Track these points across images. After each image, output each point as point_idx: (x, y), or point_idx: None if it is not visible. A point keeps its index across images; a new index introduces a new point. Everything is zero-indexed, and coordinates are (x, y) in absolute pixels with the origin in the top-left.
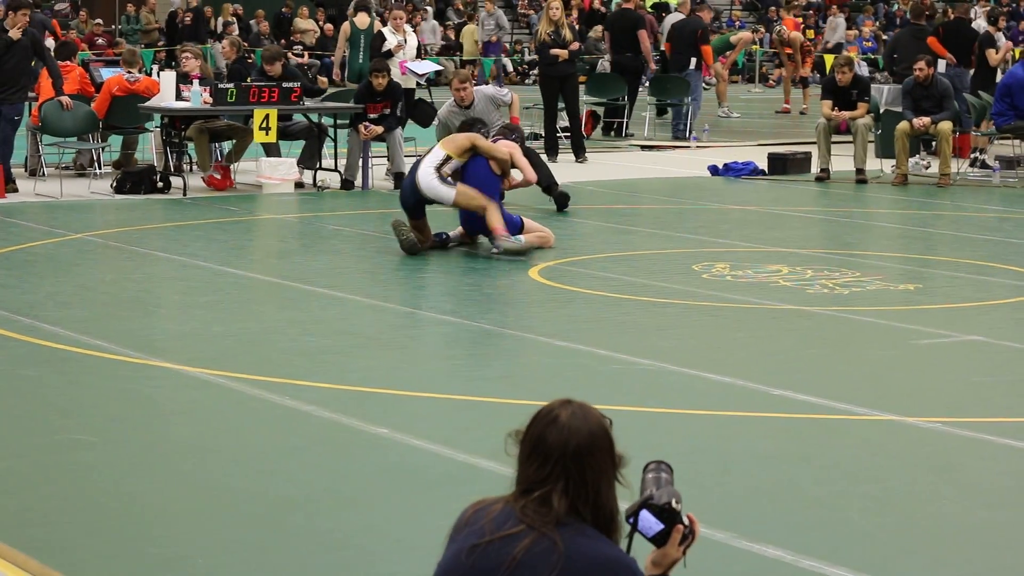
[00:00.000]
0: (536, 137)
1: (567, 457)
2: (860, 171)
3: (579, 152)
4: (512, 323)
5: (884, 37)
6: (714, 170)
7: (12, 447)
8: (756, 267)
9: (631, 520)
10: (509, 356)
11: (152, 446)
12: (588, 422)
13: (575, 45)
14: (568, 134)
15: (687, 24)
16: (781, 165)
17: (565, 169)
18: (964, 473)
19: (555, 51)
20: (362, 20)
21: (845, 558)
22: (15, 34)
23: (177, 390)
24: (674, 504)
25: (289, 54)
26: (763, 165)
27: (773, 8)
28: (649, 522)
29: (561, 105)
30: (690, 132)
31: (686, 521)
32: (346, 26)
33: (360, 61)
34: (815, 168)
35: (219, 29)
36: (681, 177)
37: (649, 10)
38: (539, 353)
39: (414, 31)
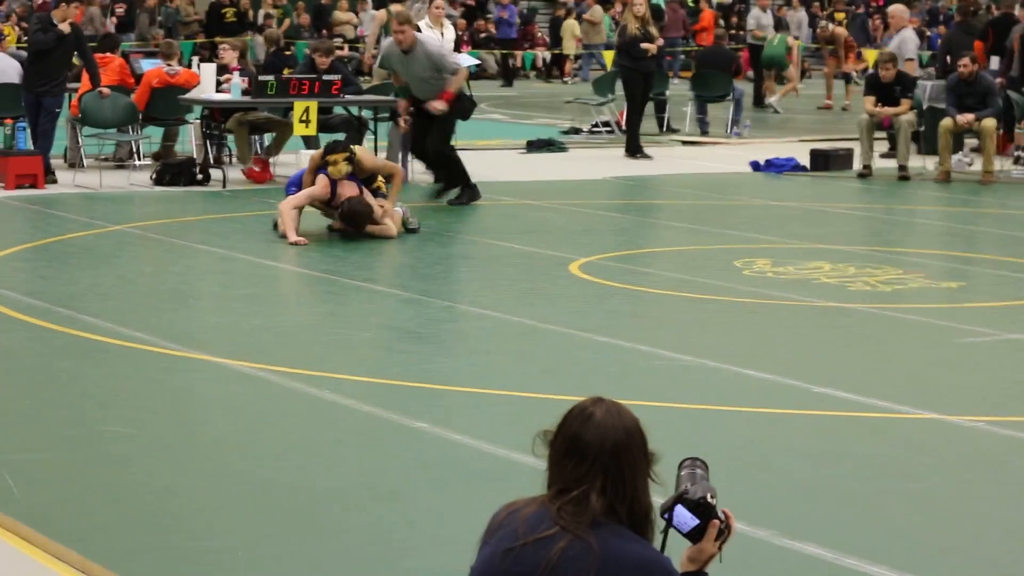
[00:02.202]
0: (605, 130)
1: (604, 455)
2: (903, 168)
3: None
4: (552, 318)
5: (928, 33)
6: (756, 166)
7: (51, 438)
8: (798, 264)
9: (666, 516)
10: (549, 351)
11: (190, 438)
12: (623, 419)
13: (660, 41)
14: (608, 129)
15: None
16: (823, 161)
17: (616, 165)
18: (1006, 472)
19: (645, 46)
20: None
21: (886, 557)
22: (64, 27)
23: (216, 383)
24: (709, 499)
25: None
26: (805, 161)
27: (817, 3)
28: (684, 517)
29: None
30: (732, 127)
31: (721, 516)
32: (382, 13)
33: None
34: (857, 164)
35: (260, 21)
36: (723, 173)
37: (689, 4)
38: (579, 348)
39: (453, 25)
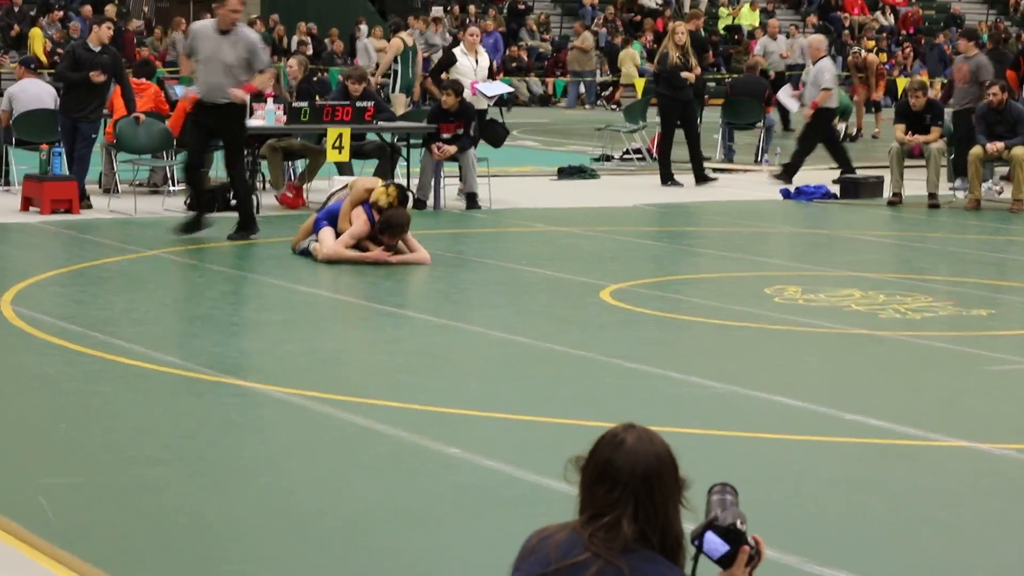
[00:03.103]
0: (636, 158)
1: (636, 481)
2: (932, 195)
3: (701, 176)
4: (583, 344)
5: None
6: (786, 193)
7: (86, 463)
8: (828, 291)
9: (696, 542)
10: (580, 377)
11: (224, 463)
12: (655, 445)
13: (698, 70)
14: (639, 156)
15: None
16: (853, 189)
17: (647, 192)
18: None
19: (685, 74)
20: (408, 38)
21: None
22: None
23: (249, 408)
24: (739, 525)
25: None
26: (835, 189)
27: (847, 32)
28: (714, 544)
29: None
30: (762, 155)
31: (752, 542)
32: (397, 42)
33: (409, 76)
34: (887, 192)
35: (293, 48)
36: (753, 200)
37: (721, 32)
38: (610, 375)
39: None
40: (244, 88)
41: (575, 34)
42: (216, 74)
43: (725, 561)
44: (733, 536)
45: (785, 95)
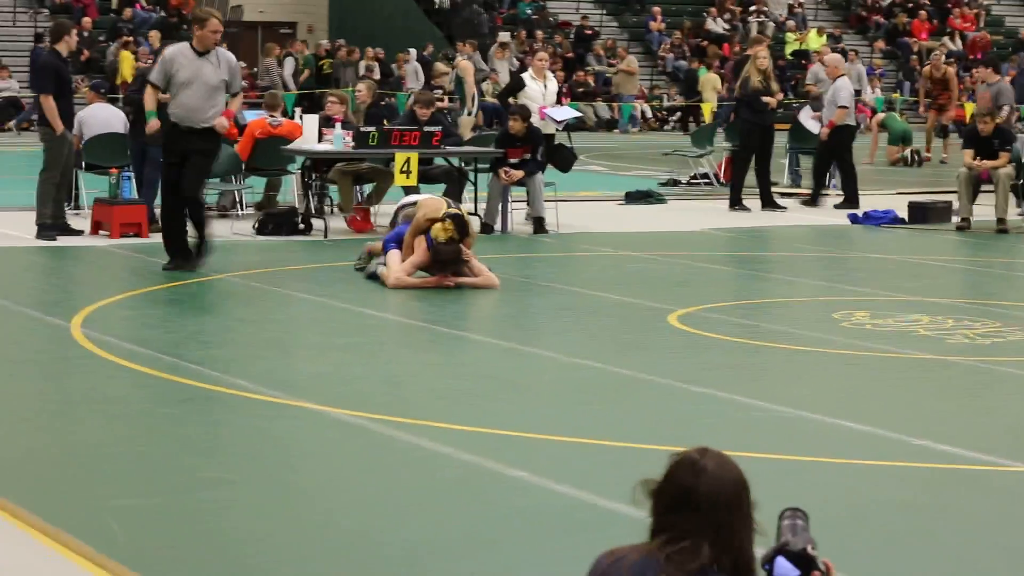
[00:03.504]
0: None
1: (719, 509)
2: (1001, 220)
3: (770, 201)
4: (650, 369)
5: None
6: (854, 218)
7: (155, 485)
8: (896, 316)
9: (767, 567)
10: (647, 402)
11: (290, 486)
12: (732, 471)
13: (780, 95)
14: (707, 181)
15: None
16: (921, 214)
17: (714, 216)
18: None
19: (767, 99)
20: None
21: None
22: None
23: (316, 430)
24: (810, 550)
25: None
26: (903, 214)
27: (915, 57)
28: (785, 568)
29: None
30: (830, 180)
31: (822, 567)
32: (469, 65)
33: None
34: (956, 217)
35: (360, 72)
36: (821, 225)
37: (788, 57)
38: (677, 399)
39: (553, 76)
40: (224, 114)
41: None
42: (198, 97)
43: None
44: (804, 561)
45: (805, 117)
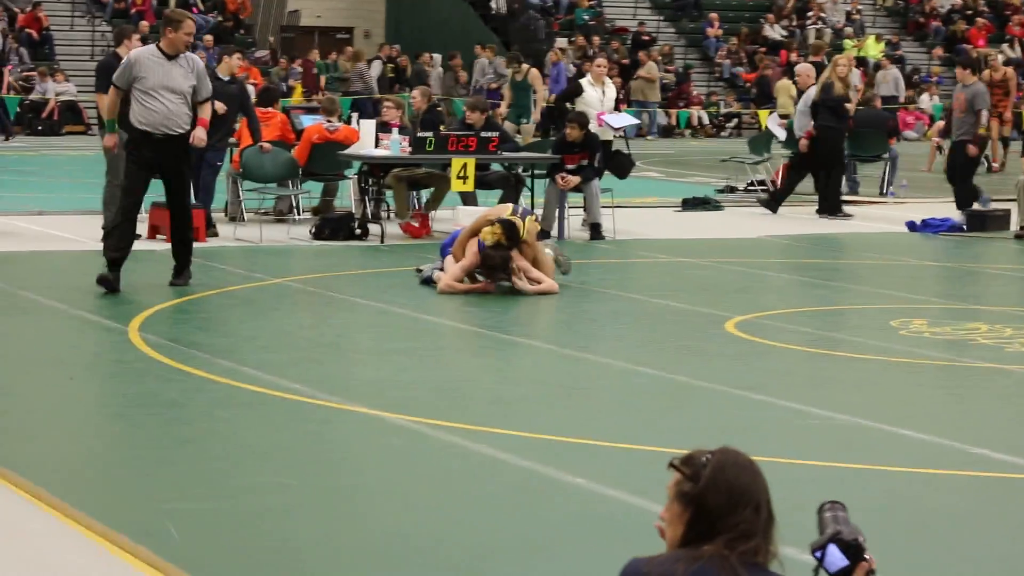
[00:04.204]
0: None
1: (769, 502)
2: None
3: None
4: (707, 376)
5: None
6: (912, 226)
7: (212, 488)
8: (954, 324)
9: (817, 555)
10: (704, 408)
11: (348, 491)
12: (756, 466)
13: (855, 103)
14: (764, 188)
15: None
16: (980, 222)
17: (771, 223)
18: None
19: (849, 106)
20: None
21: None
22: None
23: (372, 435)
24: (861, 541)
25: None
26: (962, 222)
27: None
28: (835, 557)
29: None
30: (888, 187)
31: (869, 558)
32: (535, 72)
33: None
34: (1014, 225)
35: (362, 77)
36: (879, 232)
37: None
38: (734, 406)
39: (612, 82)
40: (199, 123)
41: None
42: (166, 102)
43: (842, 575)
44: (854, 551)
45: (773, 123)
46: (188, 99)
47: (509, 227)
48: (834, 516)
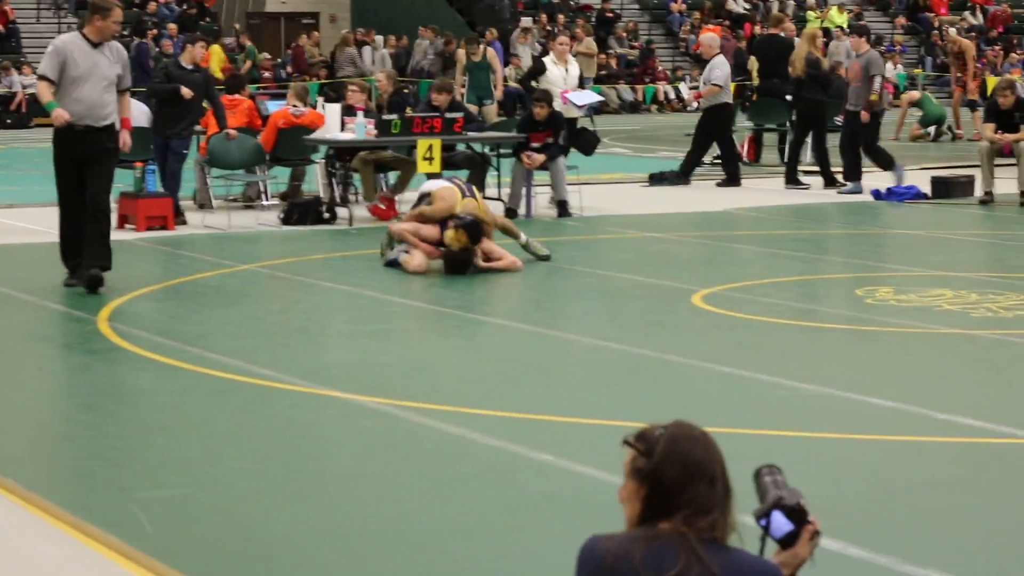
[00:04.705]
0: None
1: (725, 473)
2: None
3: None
4: (675, 349)
5: None
6: (877, 194)
7: (183, 475)
8: (920, 291)
9: (762, 522)
10: (673, 382)
11: (320, 475)
12: (710, 438)
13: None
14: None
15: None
16: (944, 189)
17: (737, 196)
18: None
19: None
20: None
21: None
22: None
23: (343, 418)
24: (803, 503)
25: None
26: (926, 189)
27: (936, 32)
28: (780, 523)
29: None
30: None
31: (812, 520)
32: (461, 54)
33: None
34: (979, 191)
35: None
36: (844, 202)
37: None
38: (703, 379)
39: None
40: (123, 124)
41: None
42: (96, 92)
43: (787, 540)
44: (797, 515)
45: (684, 89)
46: (114, 89)
47: (471, 228)
48: (773, 480)
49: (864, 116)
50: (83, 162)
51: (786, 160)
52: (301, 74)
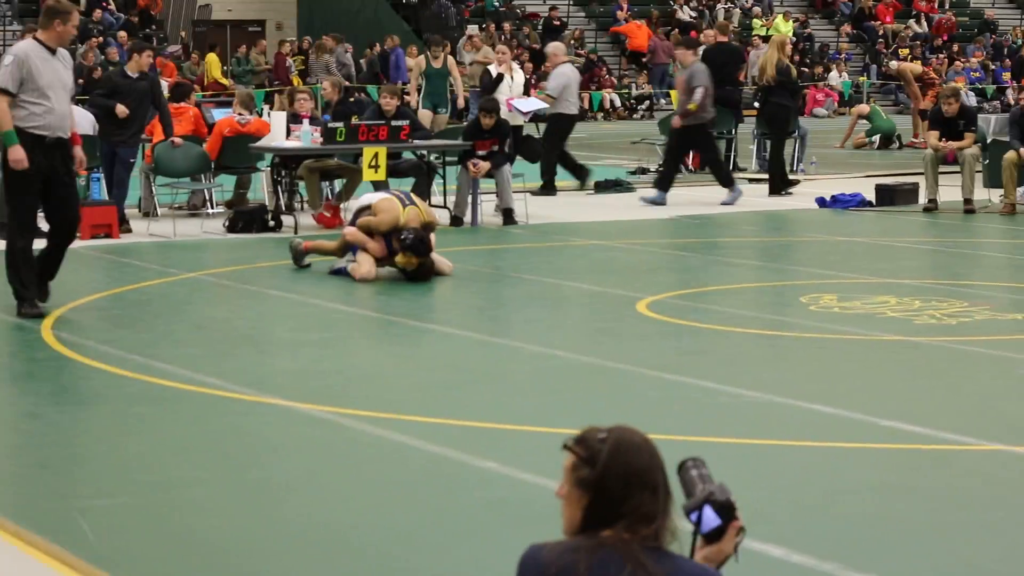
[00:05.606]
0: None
1: (666, 481)
2: (968, 201)
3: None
4: (620, 357)
5: (992, 67)
6: (821, 202)
7: (125, 484)
8: (864, 298)
9: (693, 518)
10: (617, 390)
11: (263, 483)
12: (650, 442)
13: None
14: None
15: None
16: (889, 196)
17: (683, 204)
18: None
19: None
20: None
21: None
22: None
23: (288, 426)
24: (732, 500)
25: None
26: (871, 197)
27: (881, 40)
28: (709, 518)
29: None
30: (798, 164)
31: (739, 516)
32: (421, 60)
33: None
34: (923, 199)
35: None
36: (789, 209)
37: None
38: (647, 386)
39: (521, 68)
40: (73, 140)
41: (611, 48)
42: (63, 101)
43: (714, 535)
44: (727, 511)
45: (528, 104)
46: (71, 96)
47: (418, 248)
48: (700, 474)
49: (676, 121)
50: (49, 176)
51: (768, 169)
52: (281, 83)
